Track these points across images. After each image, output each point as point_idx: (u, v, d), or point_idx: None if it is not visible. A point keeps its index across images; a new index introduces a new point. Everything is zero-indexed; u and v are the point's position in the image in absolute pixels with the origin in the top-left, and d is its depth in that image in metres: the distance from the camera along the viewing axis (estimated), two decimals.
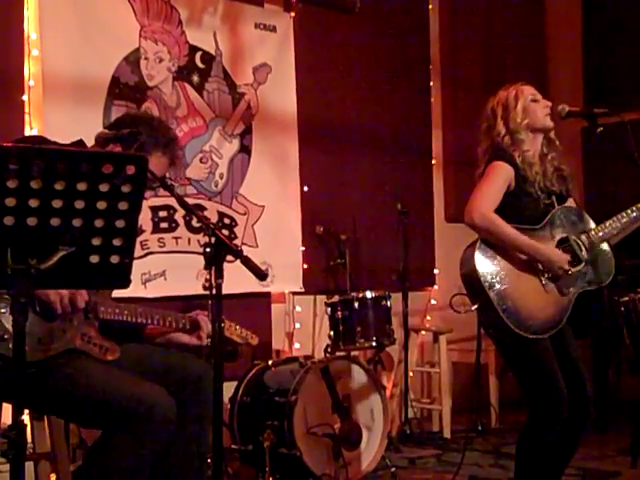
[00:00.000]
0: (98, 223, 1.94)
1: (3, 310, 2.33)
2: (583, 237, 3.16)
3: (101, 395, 2.47)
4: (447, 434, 5.09)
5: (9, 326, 1.94)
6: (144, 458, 2.48)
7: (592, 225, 3.21)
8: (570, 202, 3.27)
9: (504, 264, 3.06)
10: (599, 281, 3.17)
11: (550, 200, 3.18)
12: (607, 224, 3.18)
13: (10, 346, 1.92)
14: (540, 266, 3.08)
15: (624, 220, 3.18)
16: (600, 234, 3.17)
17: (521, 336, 3.00)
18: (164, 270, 4.40)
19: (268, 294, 4.93)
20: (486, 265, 3.04)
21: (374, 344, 4.30)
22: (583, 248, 3.15)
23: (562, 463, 3.20)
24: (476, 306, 3.07)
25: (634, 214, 3.19)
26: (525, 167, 3.13)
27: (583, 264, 3.14)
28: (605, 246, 3.21)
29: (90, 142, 2.68)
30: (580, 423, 3.11)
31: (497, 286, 3.02)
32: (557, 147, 3.25)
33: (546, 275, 3.08)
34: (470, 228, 3.08)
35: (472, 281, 3.05)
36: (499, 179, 3.10)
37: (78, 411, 2.54)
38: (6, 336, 2.30)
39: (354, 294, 4.33)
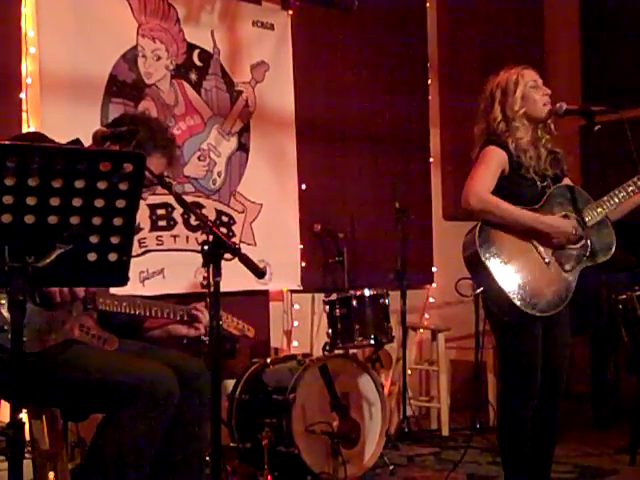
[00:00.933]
0: (96, 221, 1.94)
1: (3, 301, 2.33)
2: (582, 214, 3.17)
3: (101, 375, 2.48)
4: (445, 432, 5.09)
5: (9, 316, 1.94)
6: (151, 434, 2.47)
7: (590, 201, 3.21)
8: (566, 181, 3.29)
9: (505, 244, 3.07)
10: (599, 257, 3.18)
11: (546, 183, 3.20)
12: (604, 199, 3.19)
13: (10, 337, 1.92)
14: (539, 244, 3.09)
15: (621, 194, 3.19)
16: (599, 209, 3.18)
17: (522, 322, 3.03)
18: (162, 268, 4.40)
19: (266, 292, 4.93)
20: (488, 246, 3.05)
21: (372, 342, 4.29)
22: (583, 225, 3.16)
23: (542, 450, 3.23)
24: (481, 289, 3.07)
25: (630, 188, 3.19)
26: (519, 153, 3.15)
27: (584, 240, 3.16)
28: (605, 222, 3.21)
29: (87, 139, 2.67)
30: (549, 413, 3.19)
31: (501, 266, 3.03)
32: (551, 130, 3.25)
33: (548, 251, 3.10)
34: (469, 212, 3.09)
35: (476, 263, 3.06)
36: (492, 162, 3.13)
37: (79, 396, 2.53)
38: (5, 327, 2.30)
39: (352, 292, 4.32)
